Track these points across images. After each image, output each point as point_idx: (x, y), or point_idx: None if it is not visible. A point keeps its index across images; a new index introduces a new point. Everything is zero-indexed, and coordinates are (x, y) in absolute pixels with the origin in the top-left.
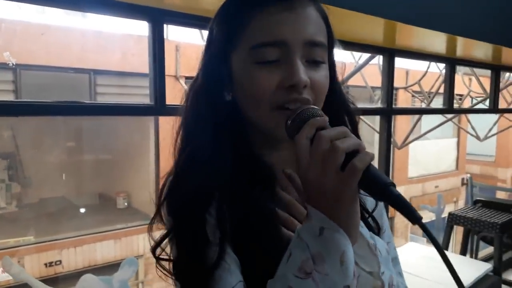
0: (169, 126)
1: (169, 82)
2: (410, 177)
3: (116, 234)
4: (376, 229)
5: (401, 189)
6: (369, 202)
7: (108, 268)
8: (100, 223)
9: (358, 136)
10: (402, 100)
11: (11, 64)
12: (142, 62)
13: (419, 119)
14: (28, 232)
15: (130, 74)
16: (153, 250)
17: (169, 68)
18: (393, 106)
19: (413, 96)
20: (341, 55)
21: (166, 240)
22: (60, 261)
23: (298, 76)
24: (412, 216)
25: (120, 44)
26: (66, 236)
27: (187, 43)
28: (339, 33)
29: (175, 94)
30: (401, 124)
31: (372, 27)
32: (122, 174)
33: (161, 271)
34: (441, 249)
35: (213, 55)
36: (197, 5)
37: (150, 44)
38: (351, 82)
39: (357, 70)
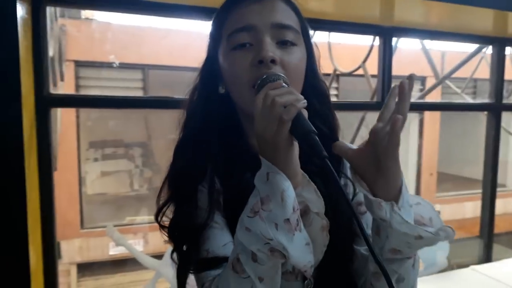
0: None
1: None
2: None
3: None
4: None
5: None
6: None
7: None
8: None
9: (333, 117)
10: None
11: (115, 65)
12: None
13: None
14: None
15: None
16: (156, 217)
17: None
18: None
19: None
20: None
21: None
22: None
23: (265, 51)
24: (319, 154)
25: None
26: None
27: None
28: (448, 27)
29: None
30: None
31: (482, 17)
32: None
33: (164, 235)
34: (346, 197)
35: (208, 57)
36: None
37: (380, 54)
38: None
39: (464, 62)
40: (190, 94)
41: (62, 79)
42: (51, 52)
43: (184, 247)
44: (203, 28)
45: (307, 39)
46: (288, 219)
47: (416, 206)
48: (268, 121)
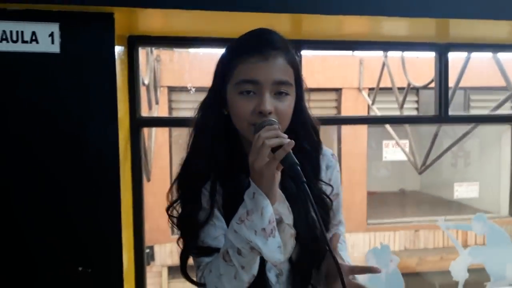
0: (349, 136)
1: (352, 94)
2: None
3: None
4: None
5: None
6: (325, 187)
7: None
8: None
9: (319, 140)
10: None
11: (192, 92)
12: None
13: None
14: None
15: None
16: (167, 209)
17: (353, 81)
18: None
19: None
20: None
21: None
22: None
23: (264, 106)
24: (300, 180)
25: None
26: None
27: (370, 57)
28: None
29: (357, 106)
30: None
31: None
32: None
33: (172, 223)
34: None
35: (216, 83)
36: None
37: (436, 69)
38: None
39: None
40: (199, 109)
41: (157, 103)
42: (147, 80)
43: (188, 237)
44: None
45: (298, 83)
46: (264, 228)
47: None
48: (257, 156)
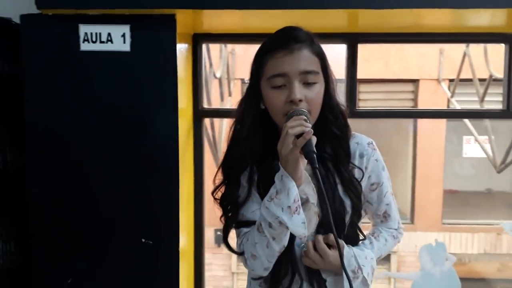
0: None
1: (430, 86)
2: None
3: None
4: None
5: None
6: (357, 172)
7: None
8: None
9: (347, 125)
10: None
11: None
12: None
13: None
14: None
15: None
16: (212, 192)
17: (431, 71)
18: None
19: None
20: None
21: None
22: None
23: (294, 95)
24: (313, 165)
25: None
26: None
27: (451, 45)
28: None
29: (435, 98)
30: None
31: None
32: None
33: (217, 205)
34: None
35: (252, 81)
36: None
37: (506, 60)
38: None
39: None
40: (239, 104)
41: (230, 95)
42: (218, 73)
43: (229, 214)
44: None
45: (325, 73)
46: (289, 206)
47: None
48: (283, 144)
